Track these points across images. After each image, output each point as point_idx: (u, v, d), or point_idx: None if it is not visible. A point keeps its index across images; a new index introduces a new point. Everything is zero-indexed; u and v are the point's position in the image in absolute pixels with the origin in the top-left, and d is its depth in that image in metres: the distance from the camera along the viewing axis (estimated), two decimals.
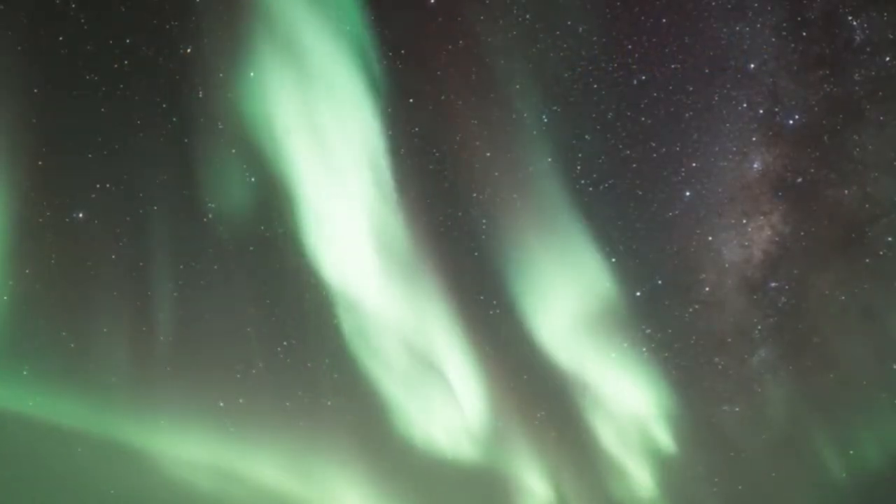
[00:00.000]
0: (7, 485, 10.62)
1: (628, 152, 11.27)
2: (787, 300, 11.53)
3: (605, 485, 12.04)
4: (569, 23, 10.95)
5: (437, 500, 12.03)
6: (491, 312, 11.77)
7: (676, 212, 11.38)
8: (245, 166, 11.13)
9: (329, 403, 11.70)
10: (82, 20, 10.52)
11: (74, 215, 10.87)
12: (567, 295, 11.74)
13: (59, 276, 10.79)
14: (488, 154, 11.39)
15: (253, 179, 11.27)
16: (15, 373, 10.69)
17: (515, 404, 11.97)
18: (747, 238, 11.46)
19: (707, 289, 11.57)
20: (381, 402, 11.73)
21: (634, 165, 11.30)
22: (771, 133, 10.99)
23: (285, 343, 11.53)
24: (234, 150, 11.10)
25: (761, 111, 10.90)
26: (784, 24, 10.56)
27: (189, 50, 10.84)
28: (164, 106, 10.93)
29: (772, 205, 11.29)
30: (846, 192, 10.94)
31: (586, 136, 11.34)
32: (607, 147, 11.31)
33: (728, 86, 10.89)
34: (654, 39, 10.84)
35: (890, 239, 10.93)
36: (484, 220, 11.61)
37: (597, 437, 12.02)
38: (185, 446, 11.37)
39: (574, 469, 12.06)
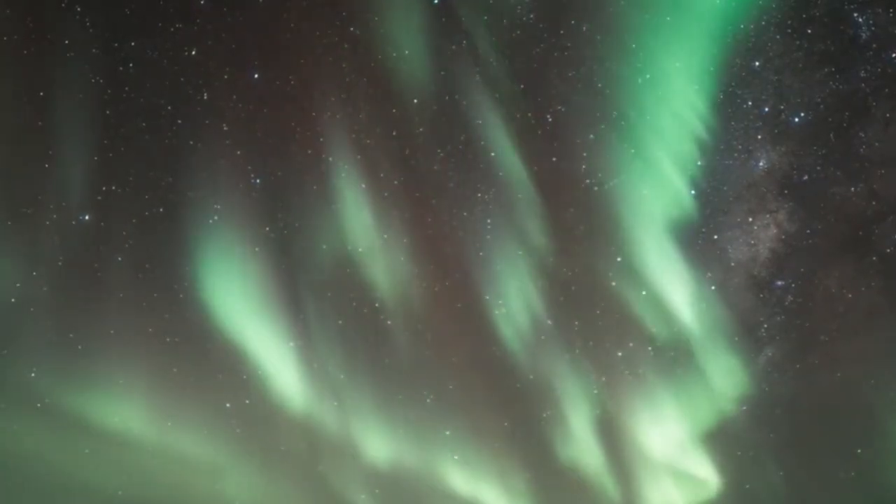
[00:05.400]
0: (15, 486, 10.68)
1: (633, 151, 11.26)
2: (793, 299, 11.51)
3: (607, 483, 12.05)
4: (573, 22, 10.96)
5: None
6: (496, 312, 11.77)
7: (682, 211, 11.34)
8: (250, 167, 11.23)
9: (335, 404, 11.74)
10: (87, 23, 10.59)
11: (81, 217, 10.93)
12: (572, 295, 11.74)
13: (65, 278, 10.85)
14: (493, 154, 11.41)
15: (258, 181, 11.34)
16: (23, 374, 10.75)
17: (521, 404, 11.97)
18: (753, 236, 11.46)
19: (713, 287, 11.54)
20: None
21: (639, 164, 11.28)
22: (776, 131, 10.98)
23: (291, 344, 11.58)
24: (239, 152, 11.20)
25: (766, 109, 10.90)
26: (789, 22, 10.54)
27: (193, 52, 10.90)
28: (168, 108, 11.00)
29: (778, 203, 11.28)
30: (852, 189, 10.91)
31: (591, 136, 11.34)
32: (612, 146, 11.29)
33: (733, 83, 10.87)
34: (659, 38, 10.82)
35: None
36: (489, 220, 11.62)
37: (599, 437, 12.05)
38: (191, 447, 11.39)
39: (571, 471, 12.04)
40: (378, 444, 11.86)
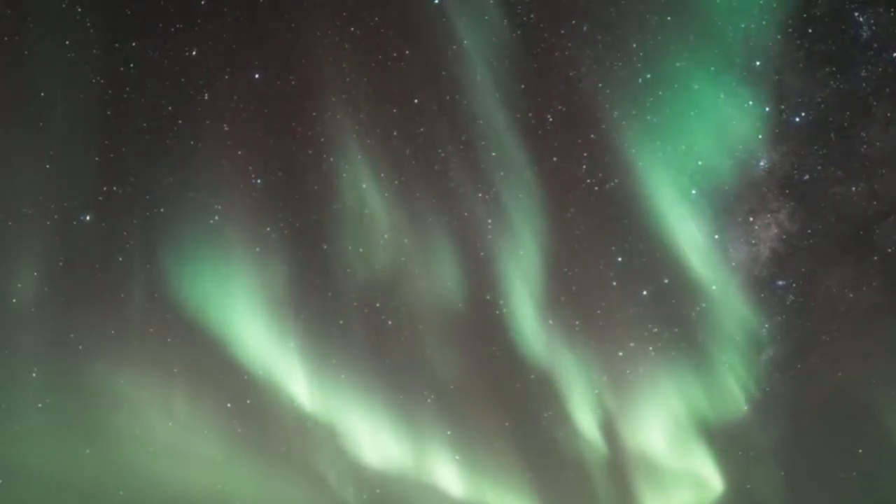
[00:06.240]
0: (15, 486, 10.70)
1: (634, 151, 11.24)
2: (794, 298, 11.49)
3: (609, 483, 12.04)
4: (573, 22, 10.96)
5: None
6: (497, 312, 11.77)
7: (683, 210, 11.33)
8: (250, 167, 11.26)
9: (335, 404, 11.74)
10: (88, 24, 10.61)
11: (81, 217, 10.96)
12: (573, 296, 11.74)
13: (65, 278, 10.87)
14: (493, 154, 11.40)
15: (259, 181, 11.36)
16: (23, 374, 10.77)
17: (522, 404, 11.96)
18: (754, 236, 11.45)
19: (714, 287, 11.52)
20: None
21: (640, 164, 11.26)
22: (777, 130, 10.94)
23: (291, 344, 11.58)
24: (239, 152, 11.22)
25: (767, 108, 10.86)
26: (790, 21, 10.51)
27: (194, 52, 10.91)
28: (169, 108, 11.01)
29: (779, 203, 11.27)
30: (853, 189, 10.89)
31: (591, 135, 11.33)
32: (613, 146, 11.28)
33: (734, 83, 10.85)
34: (659, 38, 10.81)
35: None
36: (489, 220, 11.61)
37: (600, 436, 12.04)
38: (192, 447, 11.40)
39: (573, 471, 12.04)
40: (379, 443, 11.88)
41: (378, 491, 11.79)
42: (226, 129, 11.17)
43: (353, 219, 11.48)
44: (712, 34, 10.69)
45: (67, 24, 10.61)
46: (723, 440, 11.87)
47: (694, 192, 11.26)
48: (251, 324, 11.47)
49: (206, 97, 11.05)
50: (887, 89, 10.44)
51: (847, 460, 11.48)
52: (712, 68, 10.82)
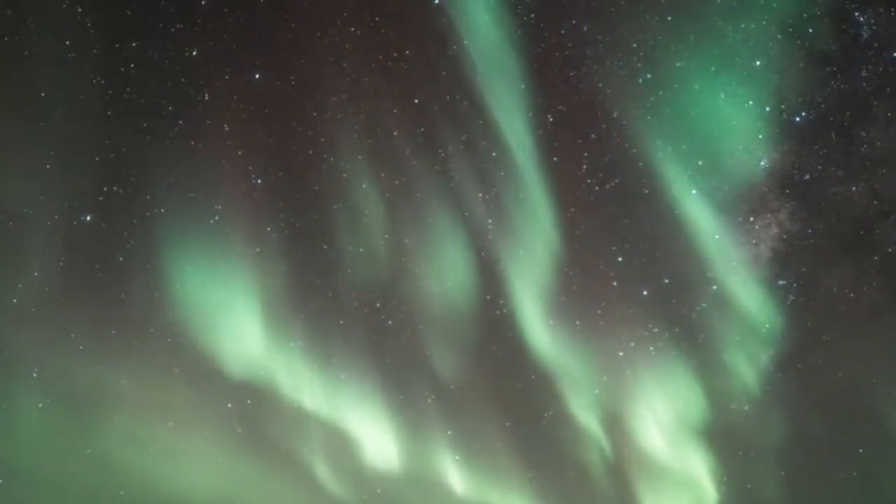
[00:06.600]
0: (16, 486, 10.70)
1: (634, 151, 11.24)
2: (795, 298, 11.49)
3: (609, 483, 12.04)
4: (573, 22, 10.97)
5: None
6: (498, 312, 11.77)
7: (683, 210, 11.33)
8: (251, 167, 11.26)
9: (336, 404, 11.74)
10: (88, 24, 10.61)
11: (82, 217, 10.94)
12: (573, 295, 11.75)
13: (65, 278, 10.87)
14: (494, 154, 11.41)
15: (259, 181, 11.37)
16: (23, 374, 10.77)
17: (522, 404, 11.96)
18: (755, 236, 11.44)
19: (714, 287, 11.52)
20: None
21: (640, 164, 11.27)
22: (777, 130, 10.94)
23: (292, 344, 11.58)
24: (239, 152, 11.22)
25: (767, 108, 10.86)
26: (790, 21, 10.52)
27: (194, 53, 10.91)
28: (169, 108, 11.01)
29: (779, 202, 11.27)
30: (854, 189, 10.90)
31: (592, 135, 11.34)
32: (613, 146, 11.30)
33: (734, 83, 10.86)
34: (660, 37, 10.81)
35: None
36: (490, 220, 11.62)
37: (600, 437, 12.04)
38: (193, 447, 11.40)
39: (574, 471, 12.04)
40: (379, 443, 11.87)
41: (378, 491, 11.78)
42: (226, 129, 11.18)
43: (353, 219, 11.49)
44: (712, 34, 10.69)
45: (67, 24, 10.60)
46: (723, 440, 11.86)
47: (694, 191, 11.27)
48: (251, 324, 11.48)
49: (206, 97, 11.05)
50: (887, 89, 10.46)
51: (847, 460, 11.48)
52: (712, 68, 10.84)
